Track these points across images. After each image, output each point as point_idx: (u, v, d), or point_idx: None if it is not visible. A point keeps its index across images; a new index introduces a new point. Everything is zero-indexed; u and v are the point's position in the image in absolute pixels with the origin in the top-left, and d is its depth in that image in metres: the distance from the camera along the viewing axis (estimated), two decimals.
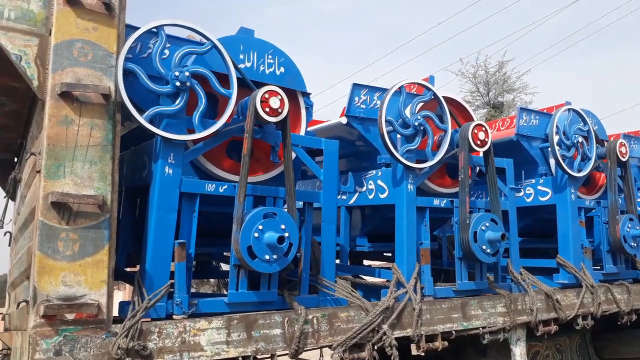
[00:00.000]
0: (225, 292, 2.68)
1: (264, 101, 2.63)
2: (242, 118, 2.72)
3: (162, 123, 2.51)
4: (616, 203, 4.02)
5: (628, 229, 4.02)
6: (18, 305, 2.39)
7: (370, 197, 3.54)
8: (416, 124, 3.24)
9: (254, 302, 2.64)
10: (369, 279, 3.92)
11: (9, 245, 3.73)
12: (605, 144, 4.22)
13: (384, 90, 3.42)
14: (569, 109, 4.07)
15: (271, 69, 2.95)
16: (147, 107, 2.46)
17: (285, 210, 2.70)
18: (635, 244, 4.08)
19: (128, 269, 3.08)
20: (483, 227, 3.25)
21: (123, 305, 2.47)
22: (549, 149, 3.92)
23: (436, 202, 3.37)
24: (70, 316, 2.11)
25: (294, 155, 2.85)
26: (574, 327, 3.70)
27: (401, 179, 3.26)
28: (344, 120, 3.46)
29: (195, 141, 2.67)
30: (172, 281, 2.48)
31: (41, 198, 2.13)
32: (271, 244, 2.51)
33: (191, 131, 2.57)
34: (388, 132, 3.14)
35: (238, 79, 2.70)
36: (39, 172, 2.19)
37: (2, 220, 3.71)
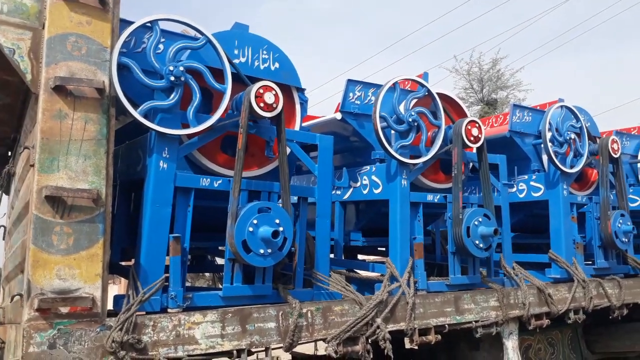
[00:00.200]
0: (220, 286, 2.69)
1: (259, 96, 2.64)
2: (237, 113, 2.72)
3: (156, 117, 2.51)
4: (608, 199, 4.06)
5: (619, 225, 4.06)
6: (12, 299, 2.39)
7: (365, 192, 3.56)
8: (410, 120, 3.26)
9: (249, 295, 2.65)
10: (363, 273, 3.95)
11: (3, 239, 3.72)
12: (598, 140, 4.25)
13: (378, 87, 3.43)
14: (561, 106, 4.10)
15: (266, 64, 2.96)
16: (141, 101, 2.46)
17: (280, 205, 2.71)
18: (626, 239, 4.12)
19: (123, 263, 3.08)
20: (476, 222, 3.27)
21: (118, 299, 2.48)
22: (542, 145, 3.95)
23: (430, 197, 3.39)
24: (64, 310, 2.12)
25: (288, 150, 2.86)
26: (565, 321, 3.73)
27: (395, 174, 3.27)
28: (338, 115, 3.47)
29: (189, 136, 2.67)
30: (166, 275, 2.49)
31: (35, 192, 2.13)
32: (266, 238, 2.52)
33: (186, 126, 2.57)
34: (382, 128, 3.16)
35: (232, 74, 2.70)
36: (32, 165, 2.19)
37: None
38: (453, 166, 3.34)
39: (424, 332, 3.03)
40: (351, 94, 3.44)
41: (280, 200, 2.77)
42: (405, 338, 3.09)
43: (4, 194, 3.85)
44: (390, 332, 2.82)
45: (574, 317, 3.72)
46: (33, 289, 2.08)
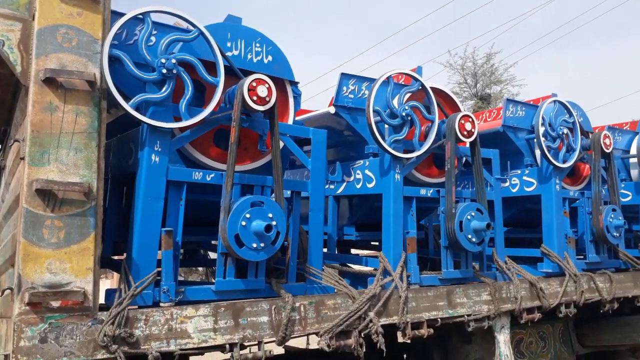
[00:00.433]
0: (213, 281, 2.68)
1: (252, 89, 2.62)
2: (230, 106, 2.70)
3: (148, 111, 2.49)
4: (600, 194, 4.08)
5: (611, 219, 4.09)
6: (3, 293, 2.37)
7: (358, 186, 3.56)
8: (404, 114, 3.25)
9: (242, 289, 2.65)
10: (357, 267, 3.95)
11: None
12: (590, 135, 4.27)
13: (372, 80, 3.43)
14: (554, 101, 4.11)
15: (259, 57, 2.94)
16: (133, 94, 2.44)
17: (273, 199, 2.70)
18: (617, 234, 4.15)
19: (115, 257, 3.07)
20: (469, 217, 3.28)
21: (110, 293, 2.47)
22: (535, 140, 3.96)
23: (423, 191, 3.40)
24: (55, 304, 2.10)
25: (281, 144, 2.85)
26: (557, 315, 3.76)
27: (388, 168, 3.27)
28: (332, 109, 3.47)
29: (182, 129, 2.65)
30: (159, 269, 2.48)
31: (25, 185, 2.11)
32: (258, 232, 2.52)
33: (178, 119, 2.56)
34: (376, 122, 3.15)
35: (225, 67, 2.68)
36: (23, 159, 2.17)
37: None
38: (446, 161, 3.35)
39: (416, 325, 3.04)
40: (345, 88, 3.43)
41: (273, 195, 2.76)
42: (398, 332, 3.10)
43: None
44: (383, 326, 2.83)
45: (565, 311, 3.74)
46: (24, 283, 2.06)
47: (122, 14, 2.45)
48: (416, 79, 3.39)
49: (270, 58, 2.98)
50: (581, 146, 4.15)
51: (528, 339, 4.00)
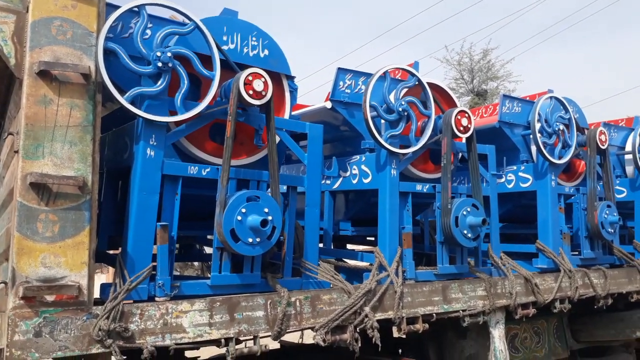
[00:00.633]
0: (209, 275, 2.68)
1: (248, 83, 2.61)
2: (225, 100, 2.69)
3: (143, 104, 2.47)
4: (595, 190, 4.09)
5: (606, 216, 4.10)
6: None
7: (354, 181, 3.56)
8: (400, 109, 3.25)
9: (237, 284, 2.64)
10: (352, 262, 3.95)
11: None
12: (586, 132, 4.27)
13: (368, 75, 3.42)
14: (551, 97, 4.11)
15: (255, 51, 2.92)
16: (128, 88, 2.43)
17: (269, 194, 2.70)
18: (612, 230, 4.16)
19: (110, 252, 3.06)
20: (464, 212, 3.29)
21: (104, 287, 2.46)
22: (531, 136, 3.97)
23: (419, 187, 3.40)
24: (50, 298, 2.09)
25: (278, 139, 2.84)
26: (551, 310, 3.77)
27: (385, 164, 3.27)
28: (328, 104, 3.46)
29: (177, 123, 2.64)
30: (154, 264, 2.47)
31: (19, 179, 2.09)
32: (254, 227, 2.51)
33: (173, 113, 2.54)
34: (372, 117, 3.15)
35: (221, 60, 2.67)
36: (17, 152, 2.15)
37: None
38: (442, 156, 3.35)
39: (411, 320, 3.05)
40: (341, 83, 3.42)
41: (269, 189, 2.75)
42: (393, 327, 3.11)
43: None
44: (378, 321, 2.84)
45: (559, 306, 3.76)
46: (18, 277, 2.05)
47: (117, 7, 2.43)
48: (413, 74, 3.38)
49: (266, 52, 2.97)
50: (577, 142, 4.16)
51: (523, 334, 4.02)
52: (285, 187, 2.94)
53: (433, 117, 3.38)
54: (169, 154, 2.68)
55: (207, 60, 2.64)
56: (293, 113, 3.21)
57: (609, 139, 4.36)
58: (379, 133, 3.18)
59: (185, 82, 2.53)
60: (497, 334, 3.46)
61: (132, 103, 2.41)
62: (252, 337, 2.56)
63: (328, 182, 3.80)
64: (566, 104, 4.16)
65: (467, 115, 3.40)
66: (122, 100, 2.36)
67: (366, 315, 2.80)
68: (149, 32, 2.55)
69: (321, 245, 3.73)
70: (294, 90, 3.14)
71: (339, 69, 3.42)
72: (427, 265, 3.62)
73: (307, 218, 2.95)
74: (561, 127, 4.06)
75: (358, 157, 3.53)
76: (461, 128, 3.37)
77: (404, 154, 3.31)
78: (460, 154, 3.73)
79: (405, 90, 3.35)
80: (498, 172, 3.93)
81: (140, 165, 2.45)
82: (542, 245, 3.96)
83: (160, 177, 2.50)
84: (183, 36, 2.61)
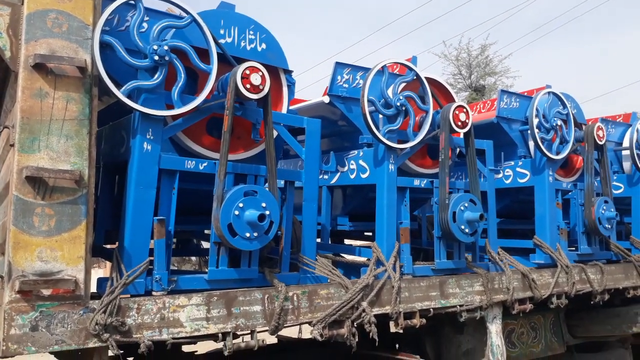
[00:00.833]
0: (207, 270, 2.67)
1: (245, 77, 2.60)
2: (223, 94, 2.68)
3: (140, 98, 2.46)
4: (592, 186, 4.10)
5: (603, 211, 4.11)
6: None
7: (352, 176, 3.55)
8: (398, 104, 3.24)
9: (234, 279, 2.64)
10: (350, 257, 3.96)
11: None
12: (583, 127, 4.28)
13: (366, 70, 3.41)
14: (549, 93, 4.11)
15: (252, 45, 2.91)
16: (124, 81, 2.41)
17: (267, 188, 2.69)
18: (609, 226, 4.17)
19: (107, 246, 3.05)
20: (462, 208, 3.29)
21: (101, 282, 2.45)
22: (529, 131, 3.97)
23: (416, 182, 3.39)
24: (46, 292, 2.09)
25: (275, 133, 2.83)
26: (548, 305, 3.78)
27: (382, 159, 3.27)
28: (326, 99, 3.45)
29: (174, 117, 2.63)
30: (151, 258, 2.47)
31: (15, 172, 2.08)
32: (252, 221, 2.50)
33: (170, 107, 2.53)
34: (370, 112, 3.14)
35: (218, 54, 2.65)
36: (12, 145, 2.14)
37: None
38: (440, 151, 3.34)
39: (409, 315, 3.05)
40: (339, 77, 3.41)
41: (266, 184, 2.75)
42: (390, 322, 3.11)
43: None
44: (375, 316, 2.84)
45: (556, 302, 3.77)
46: (14, 271, 2.04)
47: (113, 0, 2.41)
48: (411, 69, 3.37)
49: (263, 46, 2.95)
50: (574, 138, 4.16)
51: (519, 329, 4.03)
52: (282, 182, 2.94)
53: (431, 112, 3.37)
54: (166, 148, 2.66)
55: (204, 54, 2.62)
56: (291, 107, 3.20)
57: (607, 134, 4.36)
58: (377, 128, 3.17)
59: (182, 75, 2.51)
60: (494, 329, 3.47)
61: (129, 97, 2.40)
62: (249, 331, 2.56)
63: (326, 177, 3.79)
64: (564, 99, 4.16)
65: (465, 110, 3.40)
66: (118, 93, 2.35)
67: (363, 310, 2.81)
68: (145, 25, 2.53)
69: (319, 240, 3.73)
70: (291, 85, 3.13)
71: (337, 63, 3.41)
72: (424, 261, 3.62)
73: (305, 213, 2.94)
74: (559, 122, 4.06)
75: (356, 152, 3.53)
76: (459, 123, 3.36)
77: (401, 149, 3.31)
78: (458, 149, 3.72)
79: (403, 84, 3.34)
80: (496, 168, 3.93)
81: (137, 159, 2.44)
82: (540, 240, 3.96)
83: (157, 171, 2.49)
84: (180, 29, 2.60)
